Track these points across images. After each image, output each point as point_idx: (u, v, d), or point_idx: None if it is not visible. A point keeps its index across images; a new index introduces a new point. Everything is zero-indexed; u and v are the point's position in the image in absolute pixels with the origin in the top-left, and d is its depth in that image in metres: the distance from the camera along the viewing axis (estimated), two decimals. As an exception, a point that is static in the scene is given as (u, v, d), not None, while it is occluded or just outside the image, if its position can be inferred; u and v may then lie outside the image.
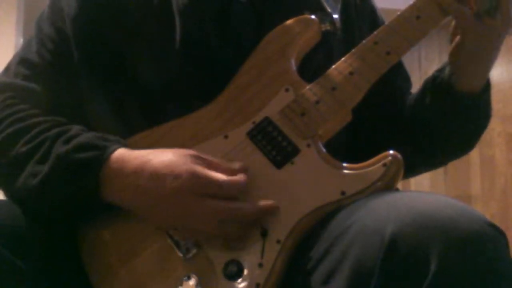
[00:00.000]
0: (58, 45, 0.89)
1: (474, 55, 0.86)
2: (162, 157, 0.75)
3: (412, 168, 0.98)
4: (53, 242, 0.78)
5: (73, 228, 0.81)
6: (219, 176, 0.74)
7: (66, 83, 0.88)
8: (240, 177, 0.75)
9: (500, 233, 0.61)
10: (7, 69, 0.92)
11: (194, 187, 0.72)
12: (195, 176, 0.72)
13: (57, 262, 0.78)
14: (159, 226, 0.77)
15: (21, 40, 3.35)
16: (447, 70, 0.90)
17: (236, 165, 0.77)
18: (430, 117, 0.93)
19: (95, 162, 0.76)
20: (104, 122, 0.89)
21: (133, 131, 0.85)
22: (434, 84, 0.91)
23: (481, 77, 0.89)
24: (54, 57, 0.89)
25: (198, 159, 0.75)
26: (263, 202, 0.74)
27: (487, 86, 0.90)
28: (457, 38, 0.86)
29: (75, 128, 0.81)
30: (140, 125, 0.85)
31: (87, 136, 0.79)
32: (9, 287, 0.73)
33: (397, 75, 1.02)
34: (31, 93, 0.87)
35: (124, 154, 0.77)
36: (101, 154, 0.76)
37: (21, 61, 0.90)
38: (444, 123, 0.92)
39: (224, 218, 0.72)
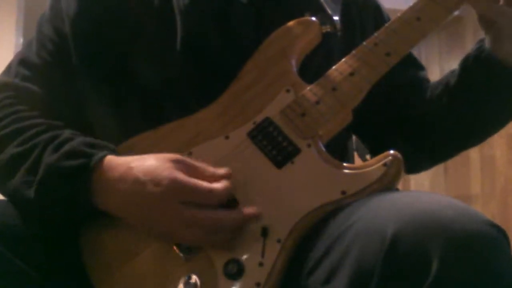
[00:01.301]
0: (57, 46, 0.90)
1: None
2: (144, 164, 0.74)
3: (415, 164, 0.99)
4: (53, 242, 0.78)
5: (74, 228, 0.81)
6: (200, 183, 0.73)
7: (65, 84, 0.88)
8: (222, 184, 0.74)
9: (501, 233, 0.61)
10: (8, 69, 0.92)
11: (175, 194, 0.72)
12: (175, 183, 0.72)
13: (57, 262, 0.78)
14: (149, 234, 0.76)
15: (21, 40, 3.35)
16: (486, 48, 0.89)
17: (221, 171, 0.76)
18: (476, 96, 0.91)
19: (82, 169, 0.76)
20: (104, 122, 0.89)
21: (133, 131, 0.85)
22: (478, 61, 0.90)
23: None
24: (53, 58, 0.89)
25: (180, 164, 0.74)
26: (245, 210, 0.74)
27: None
28: (493, 30, 0.86)
29: (66, 133, 0.81)
30: (140, 126, 0.85)
31: (76, 143, 0.79)
32: (9, 287, 0.73)
33: (409, 66, 1.01)
34: (30, 94, 0.87)
35: (110, 161, 0.77)
36: (88, 162, 0.76)
37: (21, 61, 0.91)
38: (491, 99, 0.91)
39: (207, 227, 0.72)
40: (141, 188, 0.73)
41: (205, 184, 0.73)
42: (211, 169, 0.76)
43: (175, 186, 0.72)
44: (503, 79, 0.88)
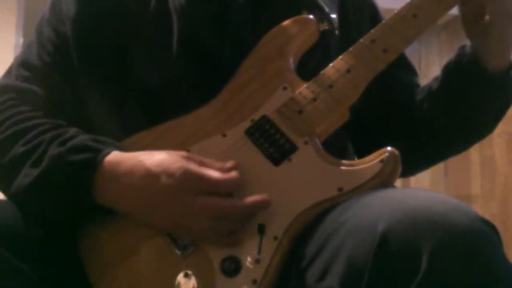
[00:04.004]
0: (57, 47, 0.90)
1: (504, 34, 0.86)
2: (154, 157, 0.76)
3: (414, 164, 0.99)
4: (53, 242, 0.79)
5: (73, 227, 0.81)
6: (212, 173, 0.74)
7: (66, 84, 0.89)
8: (232, 174, 0.75)
9: (492, 229, 0.62)
10: (9, 71, 0.93)
11: (188, 185, 0.73)
12: (188, 174, 0.73)
13: (56, 262, 0.78)
14: (155, 227, 0.77)
15: (21, 40, 3.35)
16: (468, 53, 0.89)
17: (228, 163, 0.77)
18: (458, 103, 0.91)
19: (88, 164, 0.76)
20: (104, 122, 0.89)
21: (133, 131, 0.85)
22: (459, 67, 0.90)
23: (507, 54, 0.89)
24: (54, 59, 0.90)
25: (189, 158, 0.76)
26: (255, 197, 0.74)
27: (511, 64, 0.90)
28: (482, 21, 0.85)
29: (72, 131, 0.82)
30: (140, 125, 0.85)
31: (82, 139, 0.79)
32: (8, 287, 0.73)
33: (402, 70, 1.01)
34: (32, 95, 0.87)
35: (117, 156, 0.77)
36: (95, 157, 0.77)
37: (22, 63, 0.91)
38: (474, 105, 0.91)
39: (217, 215, 0.73)
40: (152, 181, 0.74)
41: (216, 173, 0.75)
42: (218, 163, 0.77)
43: (188, 176, 0.73)
44: (485, 84, 0.88)
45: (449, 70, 0.92)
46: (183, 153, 0.77)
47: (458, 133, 0.95)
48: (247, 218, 0.74)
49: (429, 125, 0.95)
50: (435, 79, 0.96)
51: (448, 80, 0.92)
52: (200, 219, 0.73)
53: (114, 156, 0.77)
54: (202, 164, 0.76)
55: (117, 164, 0.76)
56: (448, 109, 0.93)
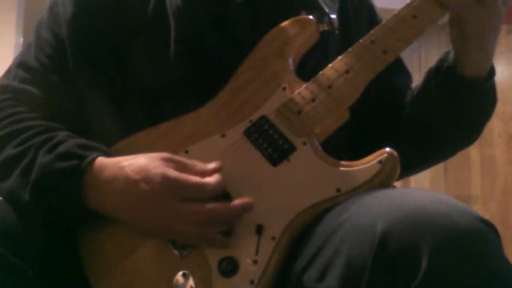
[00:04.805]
0: (55, 49, 0.90)
1: (479, 40, 0.85)
2: (135, 163, 0.76)
3: (412, 166, 0.98)
4: (53, 242, 0.79)
5: (72, 227, 0.81)
6: (192, 178, 0.74)
7: (64, 86, 0.89)
8: (214, 178, 0.75)
9: (491, 229, 0.61)
10: (8, 72, 0.93)
11: (167, 190, 0.73)
12: (167, 179, 0.73)
13: (56, 261, 0.78)
14: (144, 232, 0.77)
15: (21, 40, 3.35)
16: (450, 58, 0.89)
17: (212, 165, 0.77)
18: (436, 108, 0.91)
19: (74, 171, 0.77)
20: (103, 122, 0.89)
21: (133, 131, 0.85)
22: (439, 72, 0.90)
23: (486, 61, 0.88)
24: (51, 61, 0.90)
25: (170, 161, 0.76)
26: (237, 201, 0.74)
27: (492, 71, 0.90)
28: (460, 28, 0.86)
29: (61, 135, 0.82)
30: (139, 125, 0.86)
31: (69, 144, 0.80)
32: (9, 287, 0.73)
33: (396, 72, 1.01)
34: (29, 96, 0.88)
35: (102, 162, 0.78)
36: (80, 164, 0.77)
37: (20, 64, 0.91)
38: (452, 112, 0.91)
39: (200, 220, 0.73)
40: (133, 187, 0.74)
41: (196, 178, 0.74)
42: (201, 165, 0.77)
43: (166, 182, 0.73)
44: (464, 89, 0.88)
45: (430, 75, 0.92)
46: (165, 155, 0.76)
47: (440, 137, 0.95)
48: (232, 222, 0.74)
49: (415, 128, 0.95)
50: (418, 84, 0.96)
51: (428, 85, 0.92)
52: (184, 224, 0.73)
53: (99, 161, 0.78)
54: (183, 167, 0.75)
55: (102, 170, 0.77)
56: (428, 114, 0.93)
